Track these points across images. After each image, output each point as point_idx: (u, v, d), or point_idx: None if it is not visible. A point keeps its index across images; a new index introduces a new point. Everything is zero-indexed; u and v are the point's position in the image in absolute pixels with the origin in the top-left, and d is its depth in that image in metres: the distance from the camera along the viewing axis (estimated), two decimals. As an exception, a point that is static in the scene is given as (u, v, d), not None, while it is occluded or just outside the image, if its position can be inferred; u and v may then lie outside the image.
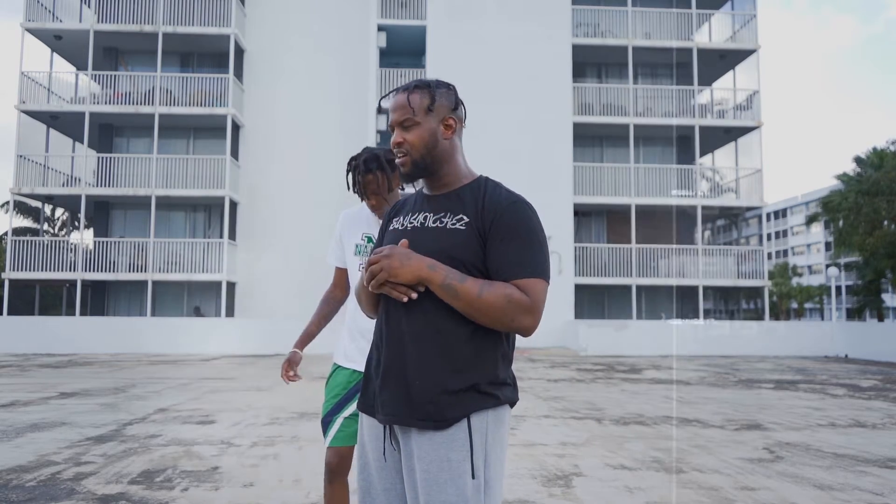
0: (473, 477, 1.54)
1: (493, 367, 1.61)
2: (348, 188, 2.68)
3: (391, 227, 1.76)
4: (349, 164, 2.67)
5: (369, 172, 2.57)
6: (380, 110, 20.39)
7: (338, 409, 2.57)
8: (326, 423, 2.58)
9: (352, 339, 2.61)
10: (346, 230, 2.71)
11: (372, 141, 20.56)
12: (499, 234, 1.58)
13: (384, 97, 1.75)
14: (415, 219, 1.69)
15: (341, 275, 2.77)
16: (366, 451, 1.71)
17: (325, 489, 2.59)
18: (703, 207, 21.83)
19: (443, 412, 1.55)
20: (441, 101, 1.68)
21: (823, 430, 6.44)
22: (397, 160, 1.69)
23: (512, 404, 1.66)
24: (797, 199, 76.59)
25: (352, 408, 2.54)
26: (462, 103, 1.73)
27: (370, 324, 2.46)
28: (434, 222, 1.64)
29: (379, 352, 1.66)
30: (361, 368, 2.52)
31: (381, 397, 1.62)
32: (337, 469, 2.55)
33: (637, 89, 22.33)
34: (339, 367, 2.63)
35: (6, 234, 26.26)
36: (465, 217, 1.62)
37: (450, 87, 1.71)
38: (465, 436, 1.55)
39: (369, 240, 2.65)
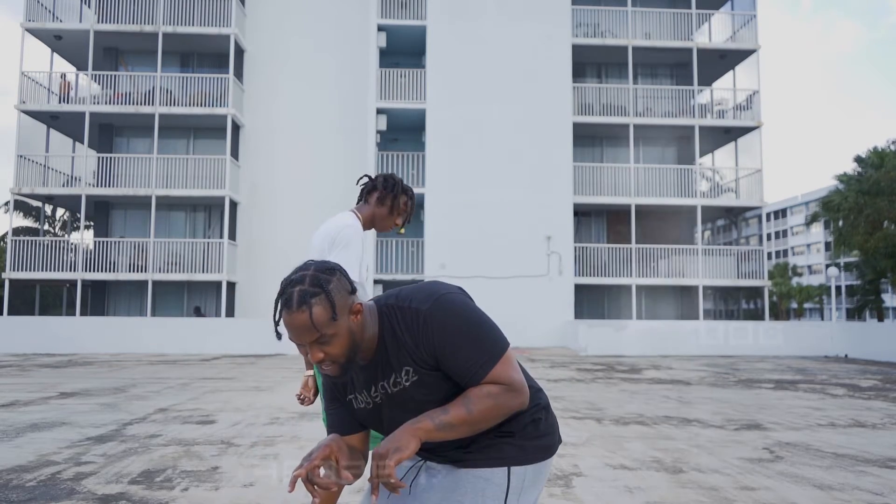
0: None
1: (532, 419, 1.64)
2: (395, 207, 2.71)
3: (359, 406, 1.64)
4: (397, 184, 2.73)
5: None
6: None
7: None
8: None
9: None
10: (363, 248, 2.54)
11: (372, 141, 20.56)
12: (442, 350, 1.51)
13: (275, 319, 1.47)
14: (375, 393, 1.60)
15: None
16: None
17: None
18: (703, 207, 21.84)
19: (486, 455, 1.59)
20: (341, 298, 1.45)
21: (823, 430, 6.43)
22: (324, 371, 1.51)
23: (553, 453, 1.68)
24: (797, 199, 76.61)
25: None
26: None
27: None
28: (394, 386, 1.56)
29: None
30: None
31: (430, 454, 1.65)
32: None
33: (637, 89, 22.33)
34: None
35: (6, 234, 26.26)
36: (409, 367, 1.54)
37: (333, 270, 1.48)
38: (504, 479, 1.58)
39: None
